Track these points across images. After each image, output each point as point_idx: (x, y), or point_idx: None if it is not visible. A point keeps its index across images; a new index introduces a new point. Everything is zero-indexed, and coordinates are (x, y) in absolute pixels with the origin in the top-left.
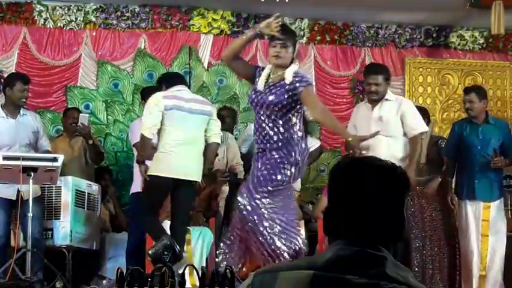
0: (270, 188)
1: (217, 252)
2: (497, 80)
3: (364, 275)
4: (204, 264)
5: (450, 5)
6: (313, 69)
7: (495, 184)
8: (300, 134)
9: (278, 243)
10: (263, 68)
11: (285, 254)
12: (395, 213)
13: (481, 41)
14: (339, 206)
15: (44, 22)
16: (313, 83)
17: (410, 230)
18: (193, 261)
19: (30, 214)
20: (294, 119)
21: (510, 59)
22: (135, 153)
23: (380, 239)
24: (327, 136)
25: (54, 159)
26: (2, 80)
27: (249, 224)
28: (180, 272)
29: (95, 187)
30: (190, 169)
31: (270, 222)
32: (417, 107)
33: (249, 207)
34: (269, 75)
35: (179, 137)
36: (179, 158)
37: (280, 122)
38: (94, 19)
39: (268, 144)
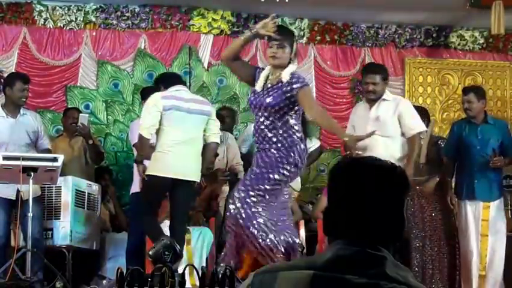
0: (267, 187)
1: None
2: (497, 80)
3: (364, 275)
4: (204, 264)
5: (450, 5)
6: (313, 69)
7: (494, 184)
8: (299, 134)
9: (271, 236)
10: (263, 69)
11: (279, 247)
12: (395, 213)
13: (481, 41)
14: (339, 206)
15: (44, 22)
16: (313, 83)
17: (410, 230)
18: (193, 261)
19: (30, 214)
20: (292, 120)
21: (510, 59)
22: (135, 153)
23: (380, 239)
24: (327, 136)
25: (54, 159)
26: (2, 80)
27: (241, 221)
28: (180, 271)
29: (95, 187)
30: (189, 169)
31: (264, 218)
32: (417, 107)
33: (243, 203)
34: (268, 77)
35: (178, 137)
36: (178, 158)
37: (279, 123)
38: (94, 19)
39: (267, 145)
